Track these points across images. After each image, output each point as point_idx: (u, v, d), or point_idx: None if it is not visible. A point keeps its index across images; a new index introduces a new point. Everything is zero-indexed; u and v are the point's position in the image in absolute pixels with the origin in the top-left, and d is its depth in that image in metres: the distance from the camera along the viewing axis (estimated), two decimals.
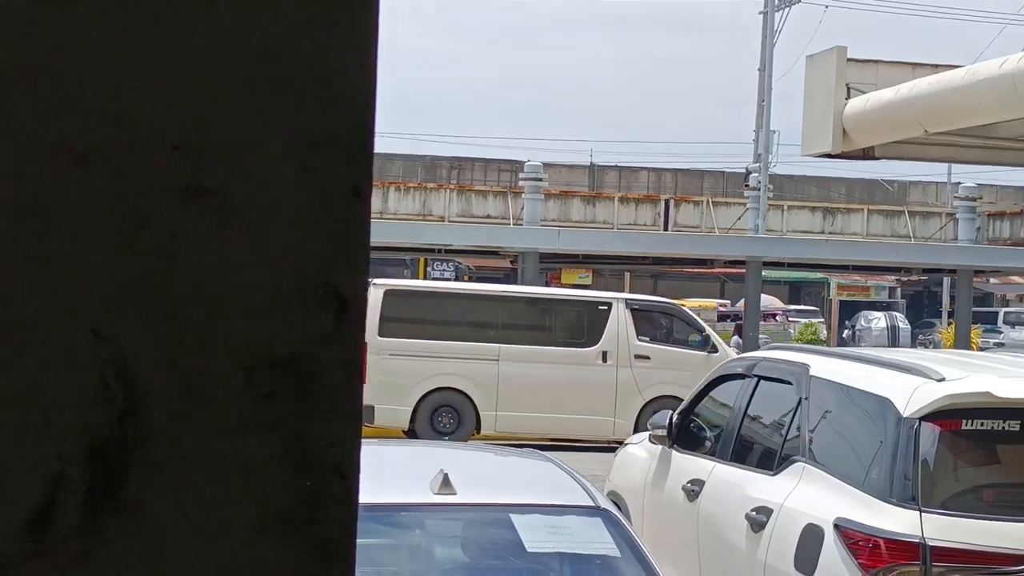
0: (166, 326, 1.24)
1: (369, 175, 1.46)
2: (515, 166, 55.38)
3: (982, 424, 5.11)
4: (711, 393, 7.54)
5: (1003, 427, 5.09)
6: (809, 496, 5.67)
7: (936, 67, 24.74)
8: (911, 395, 5.28)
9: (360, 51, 1.31)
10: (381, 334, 16.70)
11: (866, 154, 26.69)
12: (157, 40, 1.23)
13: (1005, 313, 52.91)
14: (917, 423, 5.17)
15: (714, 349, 17.21)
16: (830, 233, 21.35)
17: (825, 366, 6.27)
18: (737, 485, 6.47)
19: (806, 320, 42.79)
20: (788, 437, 6.22)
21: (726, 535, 6.41)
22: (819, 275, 49.83)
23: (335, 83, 1.31)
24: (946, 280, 46.99)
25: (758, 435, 6.81)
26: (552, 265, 26.85)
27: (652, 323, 17.63)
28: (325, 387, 1.32)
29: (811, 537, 5.44)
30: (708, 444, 7.21)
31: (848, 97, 25.24)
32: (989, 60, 21.96)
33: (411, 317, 17.12)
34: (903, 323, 45.58)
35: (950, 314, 48.11)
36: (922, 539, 4.93)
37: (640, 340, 17.04)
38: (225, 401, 1.24)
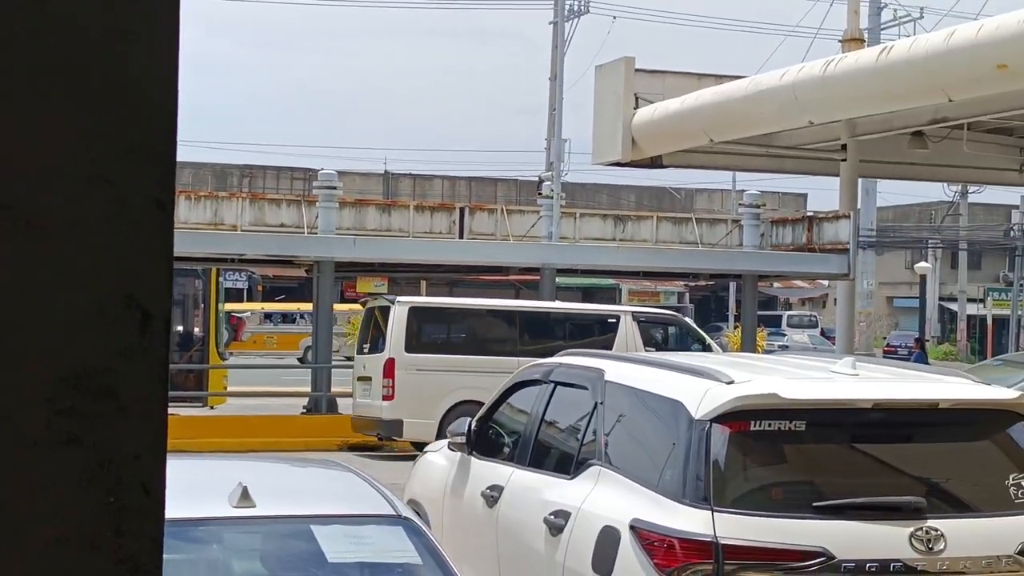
0: None
1: (172, 186, 1.45)
2: (309, 174, 54.89)
3: (770, 425, 5.27)
4: (509, 399, 7.58)
5: (790, 427, 5.27)
6: (606, 499, 5.75)
7: (720, 78, 25.47)
8: (702, 398, 5.41)
9: (161, 62, 1.31)
10: (408, 350, 17.51)
11: (654, 162, 27.30)
12: None
13: (788, 316, 54.80)
14: (708, 425, 5.31)
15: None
16: (621, 240, 21.75)
17: (619, 371, 6.38)
18: (535, 490, 6.53)
19: None
20: (585, 441, 6.30)
21: (525, 540, 6.47)
22: (611, 281, 50.80)
23: (136, 94, 1.30)
24: (732, 284, 48.44)
25: (555, 440, 6.89)
26: (348, 274, 26.73)
27: (656, 333, 18.63)
28: (128, 401, 1.31)
29: (608, 539, 5.53)
30: (507, 450, 7.25)
31: (636, 107, 25.77)
32: (771, 71, 22.70)
33: (435, 333, 17.96)
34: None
35: (736, 317, 49.69)
36: (714, 538, 5.07)
37: (647, 349, 17.68)
38: (23, 416, 1.22)
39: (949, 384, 5.80)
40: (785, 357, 8.22)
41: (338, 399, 20.68)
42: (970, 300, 54.30)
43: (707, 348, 18.46)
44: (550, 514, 6.13)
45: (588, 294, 54.14)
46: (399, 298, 18.28)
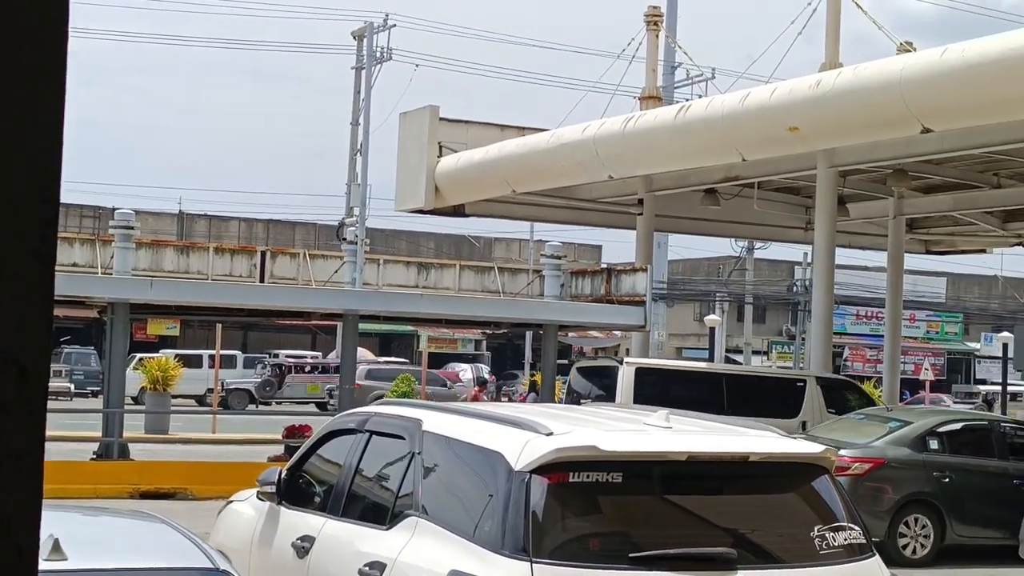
0: None
1: (53, 239, 1.42)
2: (101, 212, 53.43)
3: (588, 476, 5.34)
4: (322, 448, 7.48)
5: (607, 479, 5.35)
6: (423, 550, 5.72)
7: (523, 130, 25.87)
8: (521, 449, 5.45)
9: (45, 116, 1.30)
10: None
11: (457, 211, 27.52)
12: None
13: None
14: (527, 476, 5.34)
15: None
16: (424, 287, 21.79)
17: (437, 421, 6.37)
18: (349, 541, 6.45)
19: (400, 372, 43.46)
20: (401, 492, 6.25)
21: None
22: (409, 327, 50.77)
23: (16, 147, 1.28)
24: (528, 333, 48.96)
25: (371, 490, 6.82)
26: (141, 315, 26.05)
27: (836, 395, 20.45)
28: (4, 458, 1.29)
29: None
30: (319, 500, 7.13)
31: (440, 155, 25.96)
32: (573, 125, 23.16)
33: (657, 392, 18.40)
34: (488, 375, 47.12)
35: (533, 365, 50.20)
36: None
37: (829, 411, 19.52)
38: None
39: (759, 438, 5.97)
40: (600, 409, 8.33)
41: (130, 444, 20.10)
42: (755, 352, 56.02)
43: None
44: (365, 565, 6.06)
45: (386, 340, 54.01)
46: (627, 359, 20.39)
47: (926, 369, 36.32)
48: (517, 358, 55.52)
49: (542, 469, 5.36)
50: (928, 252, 31.63)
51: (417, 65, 64.14)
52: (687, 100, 42.37)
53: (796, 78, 18.17)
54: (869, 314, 56.46)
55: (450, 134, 26.23)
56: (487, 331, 50.94)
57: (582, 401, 18.36)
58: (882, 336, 54.01)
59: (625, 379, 18.97)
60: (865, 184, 25.37)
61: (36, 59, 1.31)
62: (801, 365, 52.22)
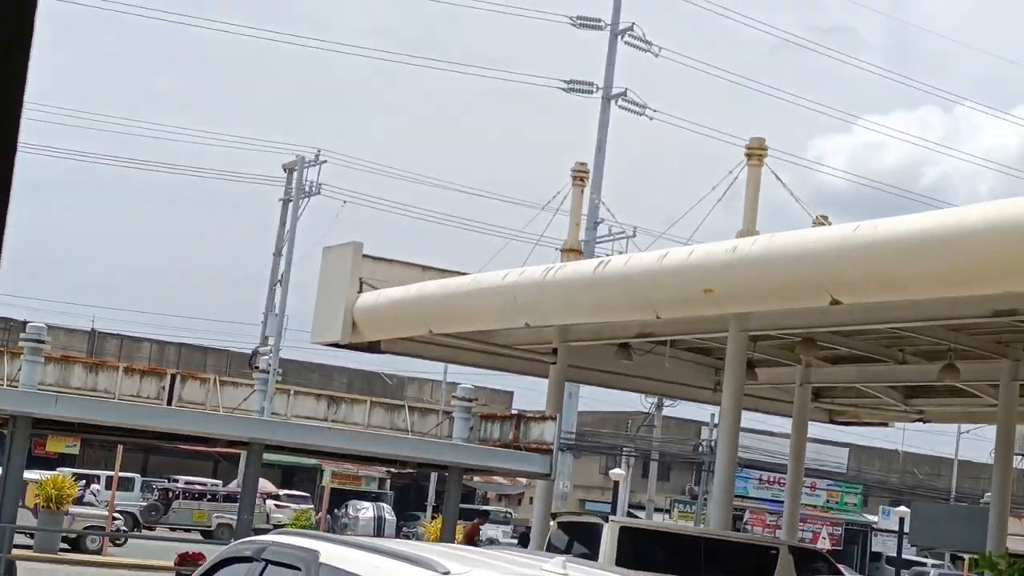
0: None
1: None
2: (11, 324, 52.65)
3: None
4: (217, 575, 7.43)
5: None
6: None
7: (445, 272, 26.14)
8: None
9: None
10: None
11: (372, 347, 27.58)
12: None
13: (494, 511, 55.23)
14: None
15: None
16: (334, 420, 21.75)
17: (335, 553, 6.40)
18: None
19: (299, 506, 42.95)
20: None
21: None
22: (314, 461, 50.28)
23: None
24: (433, 475, 48.68)
25: None
26: (43, 431, 25.61)
27: (806, 565, 21.07)
28: None
29: None
30: None
31: (360, 291, 26.10)
32: (494, 271, 23.45)
33: (640, 552, 18.81)
34: (389, 514, 46.69)
35: (435, 508, 49.82)
36: None
37: None
38: None
39: None
40: (495, 551, 8.38)
41: (18, 562, 19.65)
42: (657, 510, 56.11)
43: None
44: None
45: (289, 472, 53.42)
46: (612, 517, 20.63)
47: (824, 538, 36.61)
48: (420, 499, 55.11)
49: None
50: (832, 421, 32.14)
51: (345, 201, 64.61)
52: (607, 255, 43.13)
53: (714, 242, 18.64)
54: (772, 479, 56.90)
55: (372, 271, 26.43)
56: (392, 470, 50.56)
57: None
58: (783, 501, 54.55)
59: (608, 537, 19.12)
60: (774, 350, 25.88)
61: None
62: (702, 525, 52.38)
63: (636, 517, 49.35)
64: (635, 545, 18.92)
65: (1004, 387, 23.68)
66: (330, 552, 6.43)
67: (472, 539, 24.72)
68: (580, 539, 19.75)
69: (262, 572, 6.87)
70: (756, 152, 23.17)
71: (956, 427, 53.78)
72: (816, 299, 16.95)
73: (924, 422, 30.49)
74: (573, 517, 21.75)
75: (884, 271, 15.65)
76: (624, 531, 19.33)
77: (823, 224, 25.60)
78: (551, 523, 21.12)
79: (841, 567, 50.41)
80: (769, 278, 17.12)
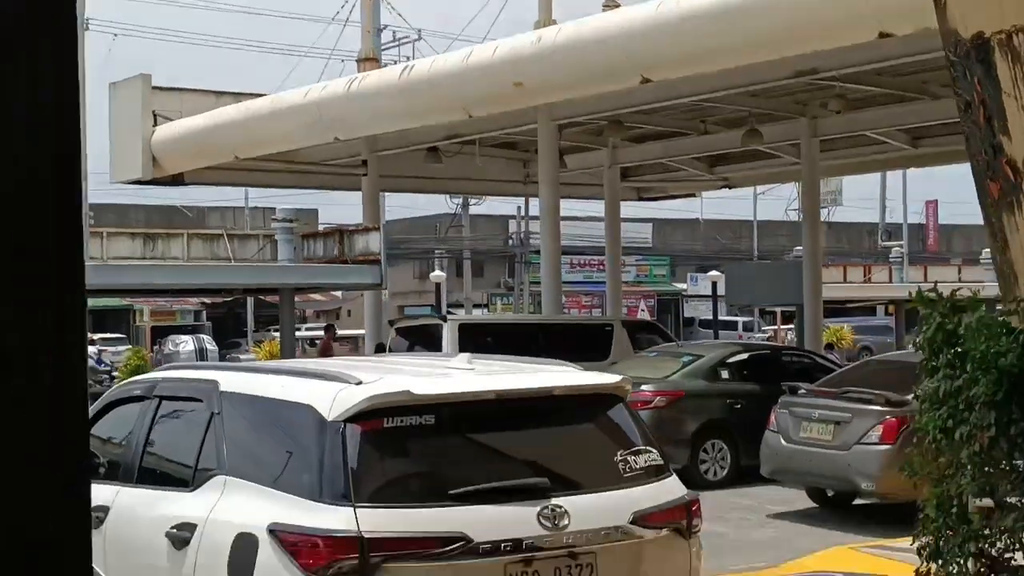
0: None
1: (82, 317, 1.41)
2: None
3: (402, 421, 5.53)
4: (104, 420, 7.37)
5: (421, 422, 5.55)
6: (236, 507, 5.77)
7: (239, 95, 25.50)
8: (333, 400, 5.58)
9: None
10: None
11: (176, 180, 26.92)
12: None
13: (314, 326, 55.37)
14: (342, 425, 5.49)
15: None
16: (153, 258, 21.34)
17: (236, 381, 6.41)
18: (150, 505, 6.42)
19: (126, 347, 42.26)
20: (203, 454, 6.25)
21: (143, 558, 6.36)
22: (124, 302, 49.34)
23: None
24: (250, 301, 48.35)
25: (169, 455, 6.78)
26: None
27: (640, 337, 21.22)
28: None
29: (244, 546, 5.55)
30: (106, 471, 7.04)
31: (156, 124, 25.34)
32: (293, 89, 23.00)
33: (481, 346, 18.09)
34: (210, 344, 46.32)
35: (256, 333, 49.66)
36: (358, 533, 5.25)
37: (636, 352, 19.82)
38: None
39: (560, 373, 6.29)
40: (398, 358, 8.48)
41: None
42: (476, 306, 57.01)
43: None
44: (172, 528, 6.06)
45: (100, 316, 52.36)
46: (449, 316, 21.65)
47: (642, 310, 37.83)
48: (239, 327, 54.82)
49: (355, 417, 5.51)
50: (641, 199, 32.90)
51: (116, 35, 61.89)
52: (395, 61, 42.42)
53: (518, 35, 18.60)
54: (583, 262, 58.18)
55: (164, 103, 25.63)
56: (206, 300, 50.06)
57: None
58: (595, 283, 55.88)
59: (450, 336, 19.42)
60: (581, 136, 26.21)
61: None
62: (528, 312, 53.53)
63: (441, 314, 50.09)
64: (475, 340, 19.27)
65: (805, 144, 24.52)
66: (230, 380, 6.44)
67: (327, 354, 24.83)
68: (419, 342, 19.99)
69: (156, 409, 6.84)
70: None
71: (752, 190, 55.58)
72: (626, 80, 17.16)
73: (729, 188, 31.46)
74: (410, 322, 21.98)
75: (691, 45, 15.89)
76: (463, 328, 19.68)
77: (611, 6, 25.69)
78: (390, 330, 21.30)
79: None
80: (578, 65, 17.21)
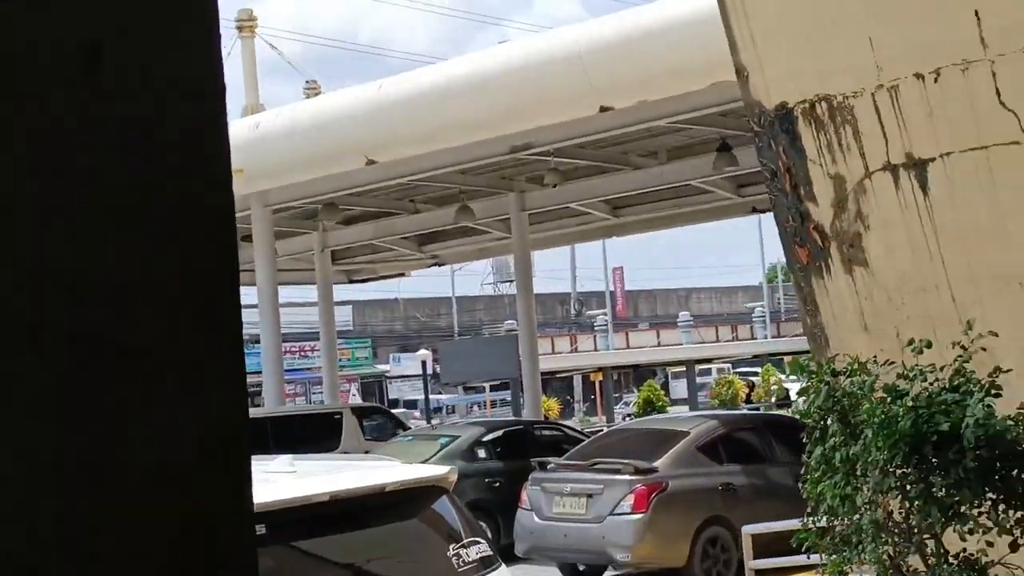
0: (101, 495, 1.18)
1: (238, 304, 1.41)
2: None
3: None
4: None
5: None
6: None
7: None
8: None
9: (223, 189, 1.33)
10: None
11: None
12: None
13: None
14: None
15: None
16: None
17: None
18: None
19: None
20: None
21: None
22: None
23: (203, 220, 1.30)
24: None
25: None
26: None
27: (370, 423, 21.70)
28: (227, 541, 1.30)
29: None
30: None
31: None
32: None
33: None
34: None
35: None
36: None
37: (367, 439, 20.19)
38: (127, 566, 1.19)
39: (388, 468, 6.05)
40: None
41: None
42: None
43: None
44: None
45: None
46: None
47: (354, 394, 37.62)
48: None
49: None
50: (351, 281, 32.75)
51: None
52: None
53: (235, 120, 18.26)
54: (283, 348, 57.35)
55: None
56: None
57: None
58: (296, 369, 55.04)
59: None
60: (290, 221, 25.90)
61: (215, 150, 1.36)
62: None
63: None
64: None
65: (514, 218, 24.94)
66: None
67: None
68: None
69: None
70: (247, 24, 22.78)
71: (449, 267, 56.30)
72: (351, 162, 17.10)
73: (440, 265, 31.69)
74: None
75: (415, 126, 15.98)
76: None
77: (315, 90, 25.58)
78: None
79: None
80: (301, 149, 17.05)
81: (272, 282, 22.47)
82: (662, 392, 42.32)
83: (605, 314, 55.17)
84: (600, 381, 43.11)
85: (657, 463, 13.69)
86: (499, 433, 17.55)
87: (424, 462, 16.28)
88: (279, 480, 5.74)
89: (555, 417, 42.92)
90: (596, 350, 41.19)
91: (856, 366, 4.69)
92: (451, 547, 5.73)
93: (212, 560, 1.26)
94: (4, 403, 1.12)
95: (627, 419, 34.25)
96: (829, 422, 4.58)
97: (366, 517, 5.77)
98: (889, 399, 4.36)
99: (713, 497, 13.63)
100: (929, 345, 4.56)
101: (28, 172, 1.16)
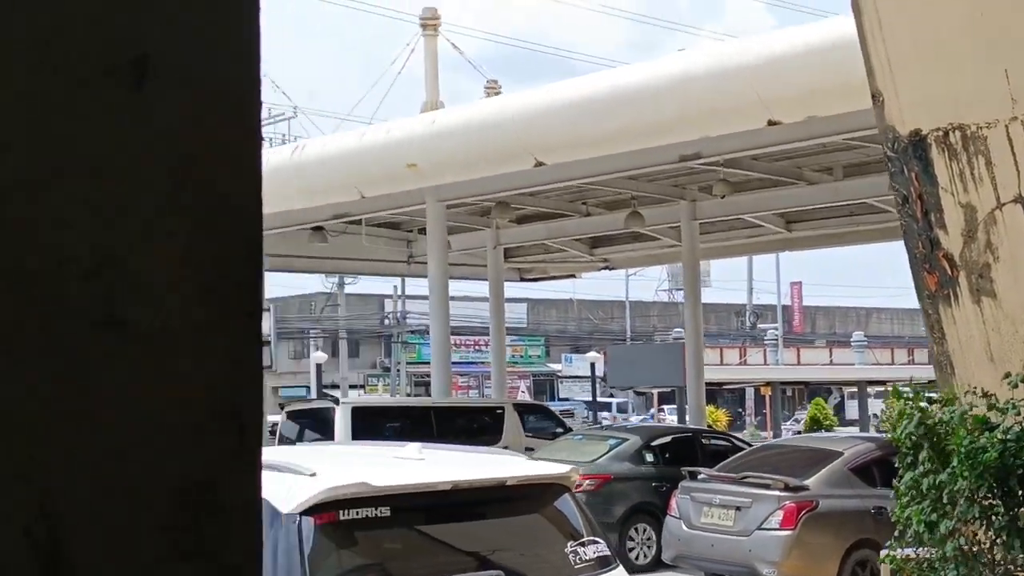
0: (84, 466, 1.21)
1: (261, 298, 1.47)
2: None
3: (357, 513, 5.48)
4: None
5: (376, 514, 5.51)
6: None
7: None
8: (287, 493, 5.52)
9: (248, 179, 1.36)
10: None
11: None
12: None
13: None
14: (297, 518, 5.42)
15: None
16: None
17: None
18: None
19: None
20: None
21: None
22: None
23: (230, 210, 1.35)
24: None
25: None
26: None
27: (531, 420, 22.05)
28: (232, 511, 1.34)
29: None
30: None
31: None
32: None
33: (374, 429, 18.33)
34: None
35: None
36: None
37: (526, 435, 20.85)
38: (141, 535, 1.23)
39: (511, 463, 6.30)
40: (347, 448, 8.37)
41: None
42: (352, 387, 56.62)
43: (567, 429, 22.16)
44: None
45: None
46: (343, 399, 21.42)
47: (523, 391, 37.96)
48: None
49: (312, 510, 5.45)
50: (522, 279, 33.10)
51: None
52: (270, 140, 42.18)
53: (412, 117, 18.75)
54: (457, 343, 58.22)
55: None
56: None
57: (297, 444, 18.20)
58: (470, 363, 55.82)
59: (342, 420, 19.20)
60: (465, 217, 26.35)
61: (242, 132, 1.37)
62: (406, 393, 53.28)
63: (333, 397, 49.66)
64: (368, 423, 19.14)
65: (685, 227, 24.95)
66: None
67: None
68: (311, 426, 19.82)
69: None
70: (430, 23, 23.29)
71: (624, 271, 56.35)
72: (520, 163, 17.38)
73: (609, 269, 31.85)
74: (302, 405, 21.86)
75: (583, 130, 16.19)
76: (356, 411, 19.57)
77: (494, 90, 25.95)
78: (281, 414, 21.05)
79: None
80: (473, 147, 17.41)
81: (443, 275, 22.92)
82: (830, 411, 41.74)
83: (776, 328, 54.56)
84: (769, 396, 42.80)
85: (808, 481, 13.64)
86: (667, 439, 17.71)
87: (592, 461, 16.55)
88: (406, 466, 6.03)
89: (723, 428, 42.72)
90: (765, 364, 40.80)
91: (952, 395, 4.75)
92: (569, 544, 5.93)
93: (215, 514, 1.30)
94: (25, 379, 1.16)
95: (793, 435, 33.89)
96: (920, 449, 4.64)
97: (486, 508, 6.00)
98: (978, 430, 4.42)
99: (864, 519, 13.48)
100: None
101: (61, 168, 1.20)
